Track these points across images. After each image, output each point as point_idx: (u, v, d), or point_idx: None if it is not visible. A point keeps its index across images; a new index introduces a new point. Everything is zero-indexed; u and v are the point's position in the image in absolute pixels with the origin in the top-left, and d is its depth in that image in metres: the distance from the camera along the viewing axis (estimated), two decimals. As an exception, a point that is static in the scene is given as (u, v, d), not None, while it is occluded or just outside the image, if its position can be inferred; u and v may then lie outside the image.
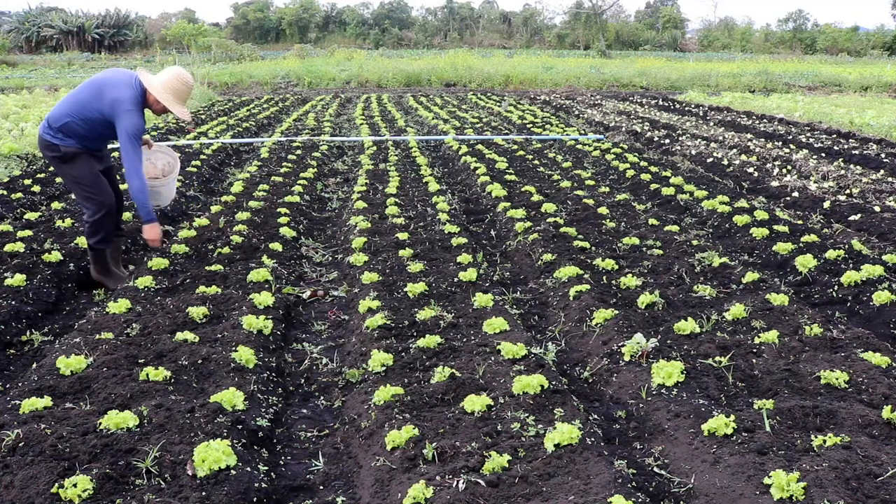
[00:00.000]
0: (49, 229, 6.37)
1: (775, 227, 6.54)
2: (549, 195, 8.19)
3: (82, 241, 5.72)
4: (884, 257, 5.51)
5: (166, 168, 5.79)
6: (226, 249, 5.83)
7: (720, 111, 18.82)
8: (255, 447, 3.18)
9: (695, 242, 6.15)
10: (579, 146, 12.37)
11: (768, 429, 3.10)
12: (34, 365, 3.90)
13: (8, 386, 3.84)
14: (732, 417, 3.10)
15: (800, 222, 7.16)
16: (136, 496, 2.66)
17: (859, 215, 7.24)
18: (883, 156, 10.92)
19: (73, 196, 5.77)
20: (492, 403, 3.34)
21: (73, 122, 4.97)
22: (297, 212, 7.55)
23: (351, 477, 3.12)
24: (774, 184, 8.98)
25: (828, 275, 5.32)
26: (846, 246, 5.80)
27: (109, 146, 5.52)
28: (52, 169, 8.78)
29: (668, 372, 3.56)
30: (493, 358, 3.85)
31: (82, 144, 5.06)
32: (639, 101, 22.97)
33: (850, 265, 5.35)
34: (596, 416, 3.54)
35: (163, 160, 5.81)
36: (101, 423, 3.04)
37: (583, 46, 63.76)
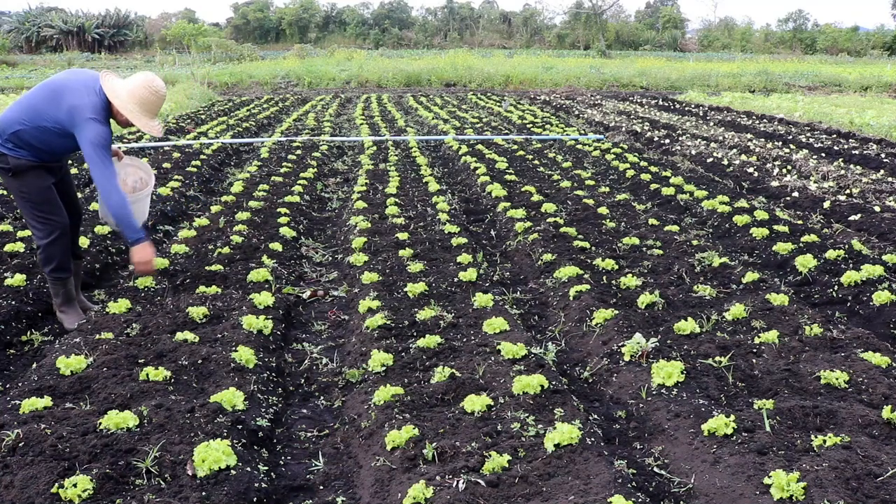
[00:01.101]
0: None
1: (775, 227, 6.54)
2: (549, 195, 8.19)
3: (83, 241, 5.60)
4: (884, 257, 5.51)
5: (138, 185, 5.15)
6: (226, 249, 5.83)
7: (720, 111, 18.82)
8: (255, 447, 3.18)
9: (695, 242, 6.15)
10: (579, 146, 12.37)
11: (768, 429, 3.10)
12: (34, 365, 3.90)
13: (8, 386, 3.84)
14: (732, 417, 3.10)
15: (800, 222, 7.16)
16: (136, 496, 2.66)
17: (859, 215, 7.23)
18: (883, 156, 10.92)
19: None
20: (492, 403, 3.34)
21: (25, 130, 4.28)
22: (297, 212, 7.55)
23: (351, 477, 3.12)
24: (774, 184, 8.98)
25: (828, 275, 5.32)
26: (846, 246, 5.80)
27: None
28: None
29: (668, 372, 3.56)
30: (493, 358, 3.85)
31: (37, 157, 4.37)
32: (639, 101, 22.97)
33: (850, 265, 5.35)
34: (596, 416, 3.54)
35: (134, 176, 5.14)
36: (101, 423, 3.04)
37: (583, 46, 63.79)
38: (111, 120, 4.50)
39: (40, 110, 4.29)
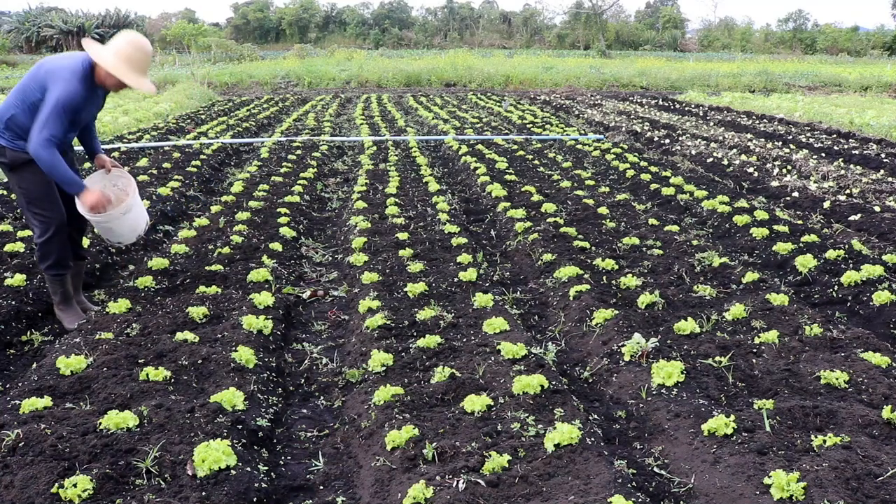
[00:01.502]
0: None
1: (775, 227, 6.54)
2: (549, 195, 8.19)
3: (83, 241, 5.58)
4: (884, 257, 5.51)
5: (133, 194, 4.89)
6: (226, 249, 5.83)
7: (720, 111, 18.82)
8: (255, 447, 3.18)
9: (695, 242, 6.15)
10: (579, 146, 12.37)
11: (768, 429, 3.10)
12: (34, 365, 3.90)
13: (8, 386, 3.84)
14: (732, 417, 3.10)
15: (800, 222, 7.16)
16: (136, 496, 2.66)
17: (859, 215, 7.23)
18: (883, 156, 10.92)
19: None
20: (492, 403, 3.34)
21: (18, 113, 4.26)
22: (297, 212, 7.55)
23: (351, 477, 3.12)
24: (774, 184, 8.98)
25: (828, 275, 5.32)
26: (846, 246, 5.80)
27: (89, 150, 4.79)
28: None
29: (668, 372, 3.56)
30: (493, 358, 3.85)
31: None
32: (639, 101, 22.97)
33: (850, 265, 5.35)
34: (596, 416, 3.54)
35: (131, 186, 4.93)
36: (101, 423, 3.04)
37: (583, 46, 63.84)
38: (103, 93, 4.48)
39: (27, 87, 4.28)
